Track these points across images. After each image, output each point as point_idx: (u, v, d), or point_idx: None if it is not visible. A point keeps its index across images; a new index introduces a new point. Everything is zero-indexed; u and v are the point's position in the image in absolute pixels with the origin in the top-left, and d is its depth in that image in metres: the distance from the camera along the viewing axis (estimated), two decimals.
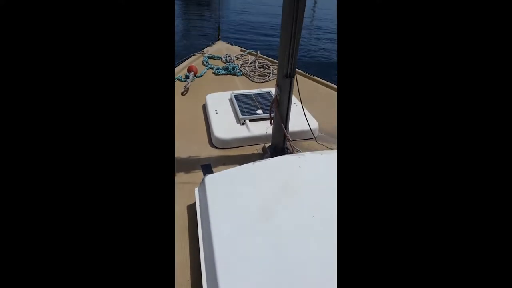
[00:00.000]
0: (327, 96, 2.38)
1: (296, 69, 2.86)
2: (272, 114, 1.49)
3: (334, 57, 7.96)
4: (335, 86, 2.48)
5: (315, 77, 2.62)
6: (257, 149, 1.71)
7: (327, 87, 2.50)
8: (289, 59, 1.26)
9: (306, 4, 1.14)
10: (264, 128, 1.73)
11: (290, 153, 1.57)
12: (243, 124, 1.79)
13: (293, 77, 1.33)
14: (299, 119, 1.72)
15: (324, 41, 9.40)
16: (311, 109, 1.99)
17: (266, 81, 2.53)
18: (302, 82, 2.59)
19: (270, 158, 1.27)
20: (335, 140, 1.86)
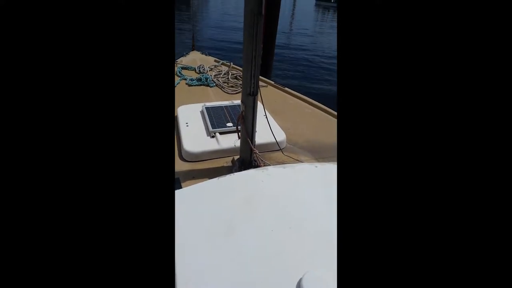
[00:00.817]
0: (298, 107, 2.48)
1: (269, 80, 2.95)
2: (239, 127, 1.56)
3: (309, 66, 8.18)
4: (306, 98, 2.58)
5: (286, 88, 2.72)
6: (226, 161, 1.77)
7: (298, 98, 2.60)
8: (252, 79, 1.34)
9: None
10: (233, 141, 1.80)
11: (257, 165, 1.65)
12: (213, 137, 1.85)
13: (256, 94, 1.41)
14: (267, 131, 1.80)
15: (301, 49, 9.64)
16: (281, 120, 2.07)
17: (239, 92, 2.60)
18: (274, 93, 2.68)
19: (235, 173, 1.33)
20: (302, 151, 1.95)
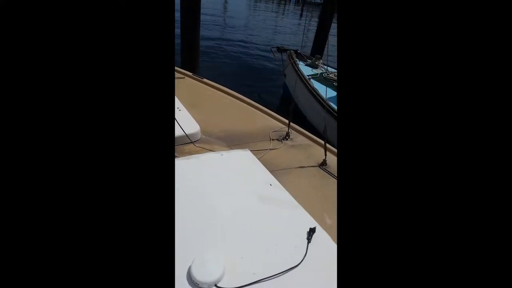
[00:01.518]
0: (215, 98, 2.51)
1: (187, 72, 2.91)
2: None
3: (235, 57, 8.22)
4: (224, 88, 2.62)
5: (205, 80, 2.73)
6: None
7: (216, 89, 2.63)
8: None
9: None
10: None
11: None
12: None
13: None
14: (181, 124, 1.80)
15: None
16: (198, 112, 2.08)
17: None
18: (191, 85, 2.67)
19: None
20: (217, 141, 1.99)
